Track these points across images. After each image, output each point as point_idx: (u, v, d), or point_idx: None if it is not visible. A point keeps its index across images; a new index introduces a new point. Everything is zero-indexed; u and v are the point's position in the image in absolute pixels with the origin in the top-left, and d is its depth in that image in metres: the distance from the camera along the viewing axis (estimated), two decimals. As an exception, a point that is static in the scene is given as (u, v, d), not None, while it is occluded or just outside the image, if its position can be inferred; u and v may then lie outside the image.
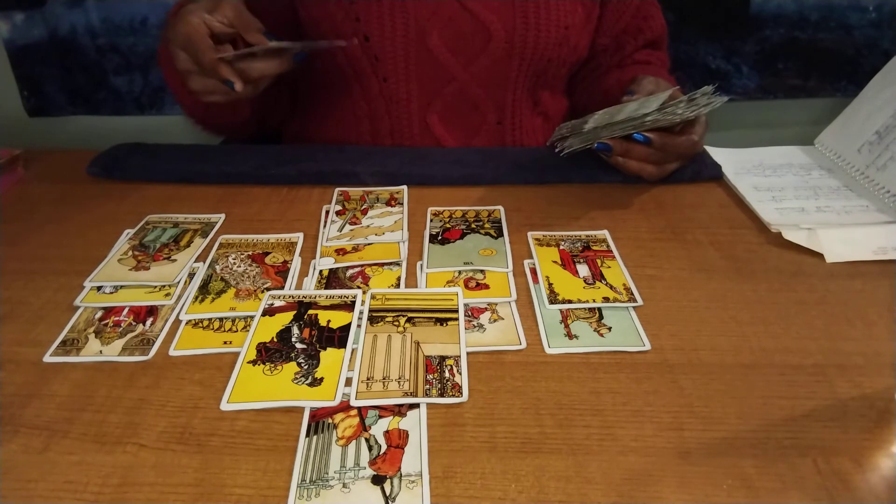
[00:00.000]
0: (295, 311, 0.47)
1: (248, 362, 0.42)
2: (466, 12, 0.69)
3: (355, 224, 0.59)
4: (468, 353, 0.43)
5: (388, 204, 0.62)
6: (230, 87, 0.58)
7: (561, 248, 0.55)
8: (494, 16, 0.69)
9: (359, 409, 0.39)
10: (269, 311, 0.47)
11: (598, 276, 0.52)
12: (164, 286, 0.50)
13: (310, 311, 0.47)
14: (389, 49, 0.69)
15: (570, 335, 0.45)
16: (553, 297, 0.49)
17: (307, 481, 0.34)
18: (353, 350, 0.43)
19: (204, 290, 0.50)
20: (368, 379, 0.41)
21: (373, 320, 0.46)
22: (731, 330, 0.46)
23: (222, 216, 0.61)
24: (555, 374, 0.42)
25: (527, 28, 0.70)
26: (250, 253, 0.55)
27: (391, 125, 0.75)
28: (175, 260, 0.54)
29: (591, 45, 0.78)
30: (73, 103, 1.07)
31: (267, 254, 0.55)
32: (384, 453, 0.36)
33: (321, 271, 0.53)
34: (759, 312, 0.48)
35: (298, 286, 0.51)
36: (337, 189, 0.65)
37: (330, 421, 0.38)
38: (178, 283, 0.51)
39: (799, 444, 0.37)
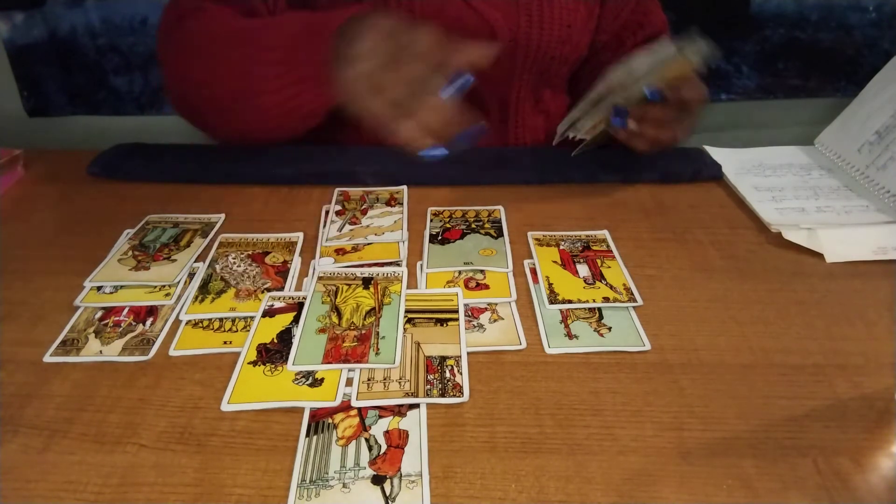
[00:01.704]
0: (295, 313, 0.47)
1: (249, 363, 0.42)
2: (472, 11, 0.69)
3: (355, 224, 0.59)
4: (468, 353, 0.43)
5: (388, 204, 0.62)
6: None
7: (561, 248, 0.55)
8: (499, 13, 0.69)
9: (359, 408, 0.39)
10: (270, 313, 0.47)
11: (598, 276, 0.52)
12: (164, 286, 0.50)
13: (310, 312, 0.47)
14: None
15: (570, 335, 0.45)
16: (553, 297, 0.49)
17: (307, 481, 0.34)
18: (353, 350, 0.43)
19: (204, 289, 0.50)
20: (369, 380, 0.41)
21: (373, 320, 0.46)
22: (731, 330, 0.46)
23: (222, 216, 0.61)
24: (555, 374, 0.42)
25: (530, 26, 0.70)
26: (250, 252, 0.55)
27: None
28: (175, 260, 0.54)
29: (591, 42, 0.79)
30: (73, 103, 1.07)
31: (267, 253, 0.55)
32: (384, 453, 0.36)
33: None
34: (759, 312, 0.48)
35: (298, 286, 0.51)
36: (337, 189, 0.65)
37: (330, 421, 0.38)
38: (178, 283, 0.51)
39: (799, 444, 0.37)
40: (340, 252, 0.55)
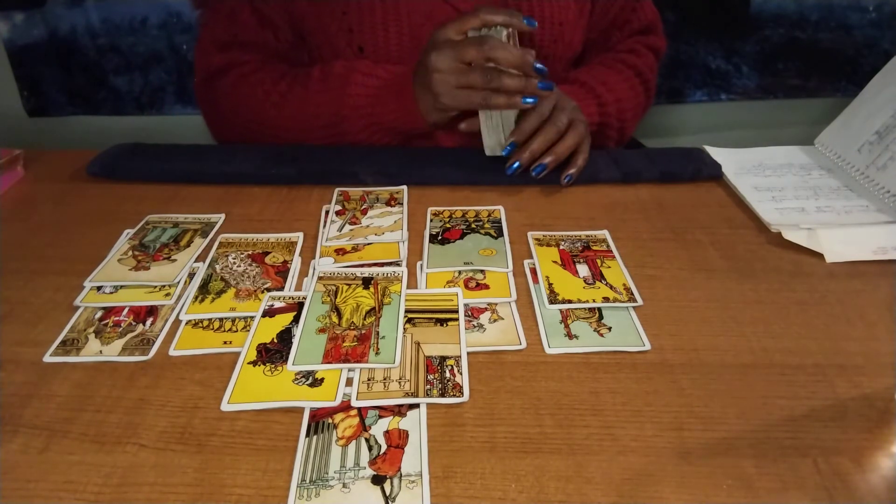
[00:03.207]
0: (295, 312, 0.47)
1: (249, 363, 0.42)
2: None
3: (355, 224, 0.59)
4: (468, 353, 0.43)
5: (388, 204, 0.62)
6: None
7: (561, 248, 0.55)
8: None
9: (359, 408, 0.39)
10: (269, 313, 0.47)
11: (598, 276, 0.52)
12: (164, 286, 0.50)
13: (310, 312, 0.47)
14: (384, 59, 0.70)
15: (570, 335, 0.45)
16: (553, 297, 0.49)
17: (307, 481, 0.35)
18: (353, 350, 0.43)
19: (204, 289, 0.50)
20: (369, 379, 0.41)
21: (373, 320, 0.46)
22: (731, 330, 0.46)
23: (222, 216, 0.61)
24: (555, 374, 0.42)
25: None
26: (250, 252, 0.55)
27: None
28: (175, 260, 0.54)
29: (584, 40, 0.79)
30: (73, 103, 1.07)
31: (267, 253, 0.55)
32: (384, 453, 0.36)
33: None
34: (759, 312, 0.48)
35: (298, 286, 0.51)
36: (337, 189, 0.65)
37: (330, 421, 0.38)
38: (178, 283, 0.51)
39: (799, 444, 0.37)
40: (340, 252, 0.55)
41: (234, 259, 0.54)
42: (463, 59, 0.60)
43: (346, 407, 0.39)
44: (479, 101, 0.61)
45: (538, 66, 0.60)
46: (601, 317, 0.47)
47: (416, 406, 0.39)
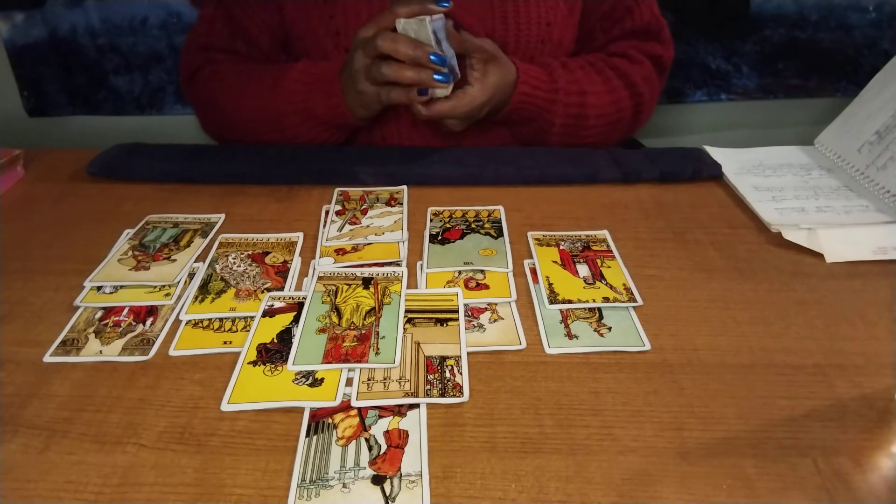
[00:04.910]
0: (295, 313, 0.47)
1: (249, 363, 0.42)
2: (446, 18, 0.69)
3: (355, 224, 0.59)
4: (468, 353, 0.43)
5: (388, 204, 0.62)
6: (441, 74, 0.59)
7: (561, 248, 0.55)
8: (473, 18, 0.69)
9: (359, 408, 0.39)
10: (269, 313, 0.47)
11: (598, 276, 0.52)
12: (164, 286, 0.50)
13: (310, 312, 0.47)
14: None
15: (570, 335, 0.45)
16: (553, 297, 0.49)
17: (307, 481, 0.35)
18: (353, 350, 0.43)
19: (204, 289, 0.50)
20: (369, 379, 0.41)
21: (373, 320, 0.46)
22: (731, 330, 0.46)
23: (222, 216, 0.61)
24: (555, 374, 0.42)
25: (507, 28, 0.70)
26: (250, 252, 0.55)
27: (381, 131, 0.75)
28: (175, 260, 0.54)
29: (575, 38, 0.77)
30: (73, 103, 1.07)
31: (267, 253, 0.55)
32: (384, 453, 0.36)
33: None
34: (759, 312, 0.48)
35: (298, 286, 0.51)
36: (337, 189, 0.65)
37: (330, 421, 0.38)
38: (178, 283, 0.51)
39: (799, 444, 0.37)
40: (340, 252, 0.55)
41: (234, 259, 0.54)
42: (372, 55, 0.60)
43: (346, 407, 0.39)
44: (386, 99, 0.62)
45: (433, 57, 0.58)
46: (601, 317, 0.47)
47: (416, 406, 0.39)
